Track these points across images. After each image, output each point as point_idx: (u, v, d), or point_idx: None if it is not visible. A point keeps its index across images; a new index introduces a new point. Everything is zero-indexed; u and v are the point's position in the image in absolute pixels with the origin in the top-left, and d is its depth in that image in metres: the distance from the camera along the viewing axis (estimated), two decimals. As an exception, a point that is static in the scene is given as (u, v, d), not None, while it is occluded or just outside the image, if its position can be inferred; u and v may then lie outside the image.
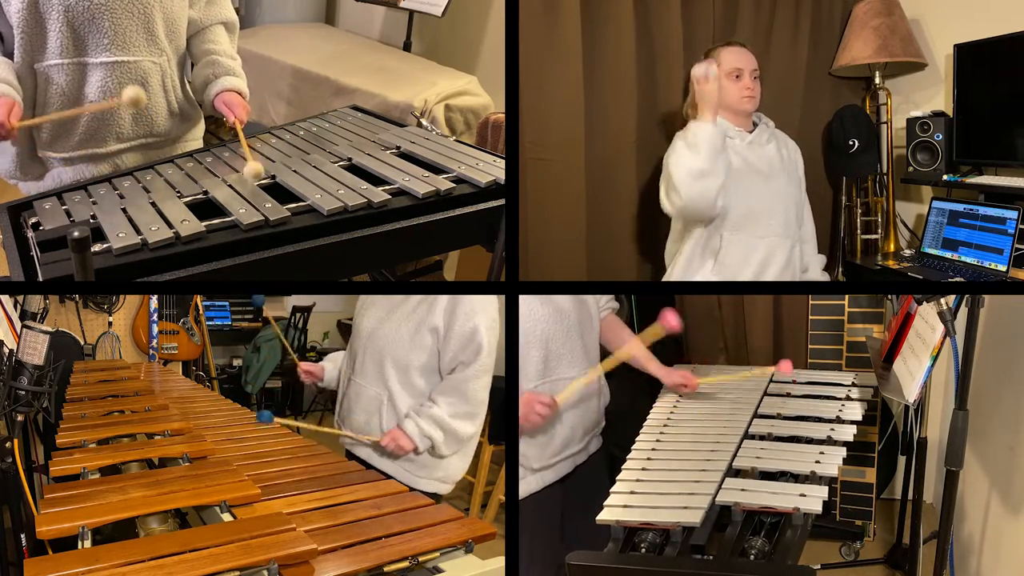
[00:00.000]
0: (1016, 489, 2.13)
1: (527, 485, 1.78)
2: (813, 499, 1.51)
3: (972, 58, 2.60)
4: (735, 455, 1.74)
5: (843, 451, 1.75)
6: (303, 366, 2.31)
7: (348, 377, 2.14)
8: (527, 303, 1.78)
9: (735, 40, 2.27)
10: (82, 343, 3.58)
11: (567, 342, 1.82)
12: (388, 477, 1.82)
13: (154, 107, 2.04)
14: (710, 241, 2.13)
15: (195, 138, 2.25)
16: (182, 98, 2.14)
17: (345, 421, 2.14)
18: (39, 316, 3.05)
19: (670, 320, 1.65)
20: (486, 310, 1.99)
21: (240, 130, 1.98)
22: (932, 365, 1.71)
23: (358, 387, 2.09)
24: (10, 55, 1.88)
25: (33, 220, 1.73)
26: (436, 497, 2.03)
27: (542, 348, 1.78)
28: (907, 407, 2.33)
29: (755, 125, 2.23)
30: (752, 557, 1.44)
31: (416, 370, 2.00)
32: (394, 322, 2.02)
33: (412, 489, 1.73)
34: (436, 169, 1.94)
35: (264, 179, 1.87)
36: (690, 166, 1.99)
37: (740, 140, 2.16)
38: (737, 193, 2.08)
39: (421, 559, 1.35)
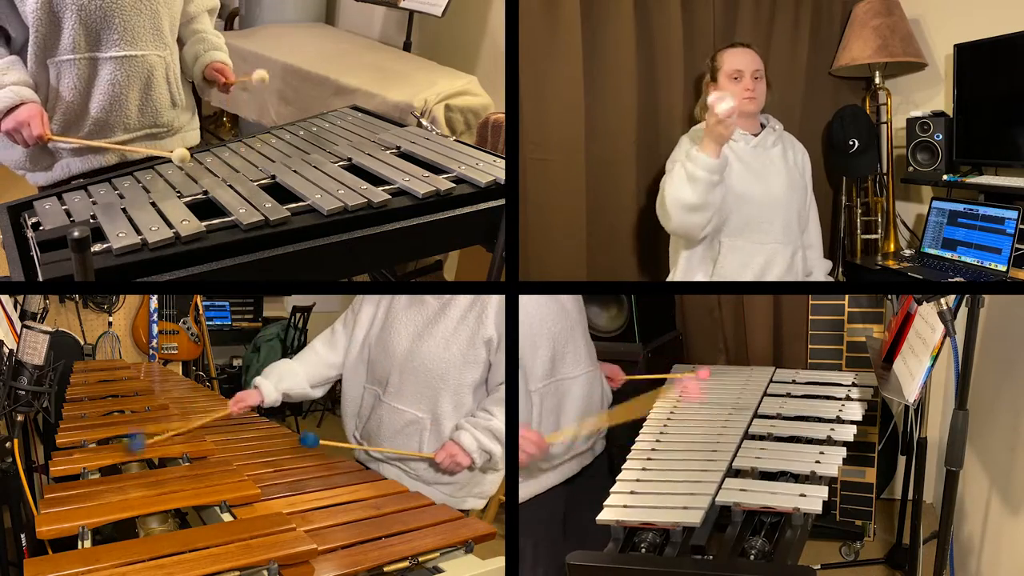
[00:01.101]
0: (1016, 489, 2.13)
1: (531, 487, 1.77)
2: (813, 499, 1.51)
3: (972, 58, 2.60)
4: (735, 455, 1.74)
5: (843, 451, 1.74)
6: (233, 402, 2.04)
7: (375, 396, 1.95)
8: (537, 302, 1.78)
9: (739, 41, 2.26)
10: (82, 343, 3.57)
11: (570, 341, 1.82)
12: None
13: (158, 99, 2.10)
14: (709, 246, 2.12)
15: (194, 128, 2.30)
16: (183, 90, 2.20)
17: (371, 441, 1.97)
18: (39, 316, 3.04)
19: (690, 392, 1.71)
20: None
21: (233, 82, 2.24)
22: (932, 365, 1.71)
23: (393, 410, 1.90)
24: (20, 52, 1.95)
25: (33, 220, 1.73)
26: (469, 513, 1.93)
27: (550, 347, 1.78)
28: (907, 407, 2.32)
29: (762, 127, 2.22)
30: (752, 557, 1.44)
31: (468, 387, 1.85)
32: (438, 340, 1.85)
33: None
34: (436, 169, 1.94)
35: (264, 178, 1.88)
36: (683, 199, 1.97)
37: (744, 143, 2.14)
38: (737, 198, 2.07)
39: (421, 559, 1.36)
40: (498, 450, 1.82)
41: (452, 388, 1.84)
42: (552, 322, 1.79)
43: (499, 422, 1.80)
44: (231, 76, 2.24)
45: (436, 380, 1.84)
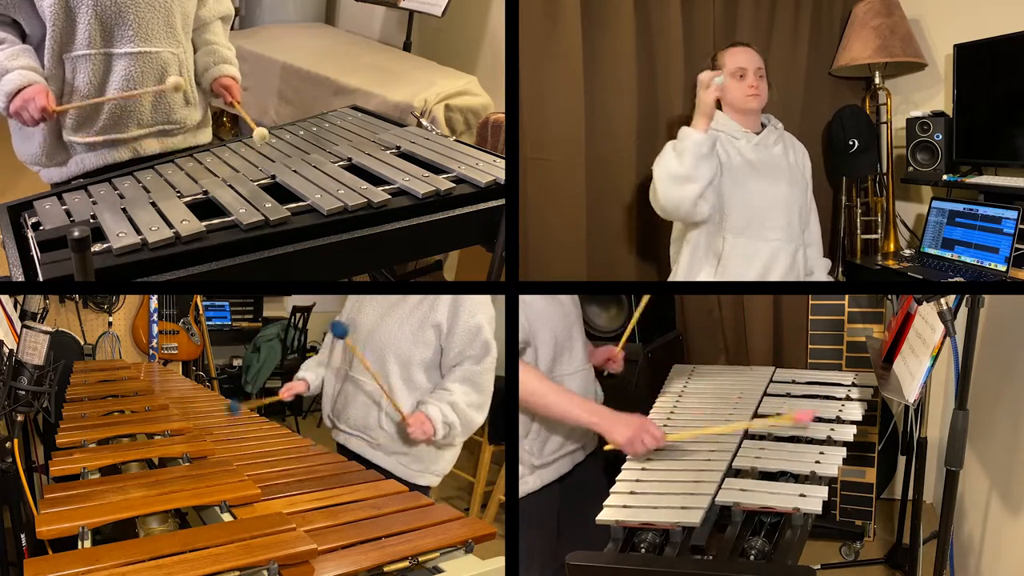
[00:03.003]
0: (1016, 489, 2.13)
1: (527, 484, 1.78)
2: (813, 499, 1.51)
3: (972, 58, 2.60)
4: (735, 455, 1.74)
5: (843, 451, 1.75)
6: (284, 390, 2.29)
7: (344, 373, 2.15)
8: (538, 299, 1.80)
9: (740, 41, 2.27)
10: (82, 343, 3.57)
11: (568, 339, 1.84)
12: (383, 473, 1.85)
13: (172, 96, 2.14)
14: (713, 243, 2.12)
15: (206, 126, 2.34)
16: (196, 88, 2.24)
17: (339, 417, 2.16)
18: (39, 316, 3.04)
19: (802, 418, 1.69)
20: (486, 308, 2.05)
21: (239, 108, 2.26)
22: (932, 365, 1.71)
23: (357, 382, 2.10)
24: (37, 49, 1.99)
25: (33, 220, 1.73)
26: (426, 490, 2.08)
27: (552, 343, 1.80)
28: (907, 407, 2.33)
29: (763, 126, 2.23)
30: (752, 557, 1.44)
31: (418, 366, 2.04)
32: (395, 319, 2.06)
33: (403, 482, 1.74)
34: (436, 169, 1.94)
35: (264, 178, 1.88)
36: (671, 170, 1.99)
37: (747, 141, 2.15)
38: (740, 196, 2.08)
39: (421, 559, 1.35)
40: (457, 422, 2.00)
41: (401, 362, 2.04)
42: (554, 319, 1.81)
43: (457, 397, 2.00)
44: (237, 95, 2.29)
45: (389, 353, 2.05)
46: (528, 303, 1.78)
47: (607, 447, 1.74)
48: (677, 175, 1.98)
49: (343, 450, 2.14)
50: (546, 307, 1.80)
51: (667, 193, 2.01)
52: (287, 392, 2.30)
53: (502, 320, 1.92)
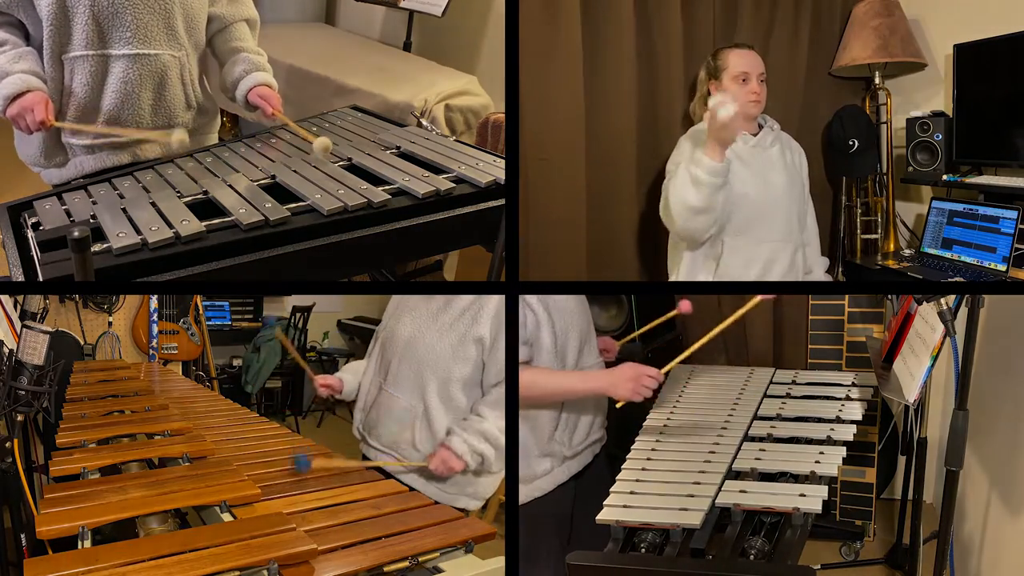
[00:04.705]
0: (1016, 489, 2.13)
1: (555, 477, 1.79)
2: (813, 499, 1.51)
3: (972, 58, 2.60)
4: (735, 456, 1.74)
5: (843, 451, 1.75)
6: (320, 379, 2.11)
7: (378, 386, 2.00)
8: (564, 298, 1.82)
9: (742, 43, 2.26)
10: (82, 343, 3.57)
11: (589, 333, 1.88)
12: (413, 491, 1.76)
13: (173, 99, 2.10)
14: (712, 247, 2.12)
15: (212, 131, 2.29)
16: (200, 92, 2.18)
17: (371, 432, 2.01)
18: (39, 316, 3.04)
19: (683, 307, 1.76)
20: None
21: (284, 118, 2.13)
22: (932, 365, 1.71)
23: (390, 398, 1.95)
24: (39, 47, 1.96)
25: (33, 220, 1.74)
26: (464, 513, 1.91)
27: (579, 337, 1.82)
28: (907, 407, 2.32)
29: (760, 127, 2.22)
30: (752, 557, 1.44)
31: (457, 383, 1.87)
32: (435, 332, 1.89)
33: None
34: (436, 169, 1.94)
35: (264, 178, 1.88)
36: (689, 203, 1.96)
37: (743, 143, 2.14)
38: (738, 199, 2.07)
39: (421, 559, 1.36)
40: (491, 452, 1.83)
41: (440, 379, 1.87)
42: (578, 314, 1.84)
43: (490, 424, 1.83)
44: (277, 105, 2.16)
45: (426, 369, 1.88)
46: (557, 302, 1.79)
47: (619, 404, 1.74)
48: (694, 208, 1.96)
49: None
50: (575, 304, 1.84)
51: (684, 224, 2.01)
52: (322, 382, 2.10)
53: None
